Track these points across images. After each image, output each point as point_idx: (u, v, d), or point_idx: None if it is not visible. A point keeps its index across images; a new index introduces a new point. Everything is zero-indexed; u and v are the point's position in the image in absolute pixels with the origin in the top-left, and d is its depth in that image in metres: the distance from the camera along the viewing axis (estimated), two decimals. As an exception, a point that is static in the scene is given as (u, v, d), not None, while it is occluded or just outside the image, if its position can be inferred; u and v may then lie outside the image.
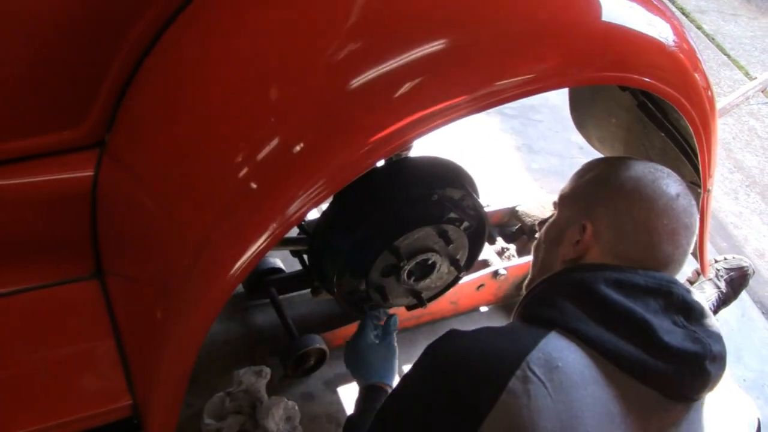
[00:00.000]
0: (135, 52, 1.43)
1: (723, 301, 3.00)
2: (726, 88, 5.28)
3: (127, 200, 1.48)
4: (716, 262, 3.06)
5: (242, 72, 1.31)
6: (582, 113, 2.17)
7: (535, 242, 1.59)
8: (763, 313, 3.37)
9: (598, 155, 2.26)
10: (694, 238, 1.41)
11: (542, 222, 1.59)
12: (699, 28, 6.19)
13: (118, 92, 1.46)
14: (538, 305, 1.34)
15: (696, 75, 1.53)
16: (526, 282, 1.56)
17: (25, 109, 1.41)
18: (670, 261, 1.37)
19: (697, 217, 1.43)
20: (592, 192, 1.47)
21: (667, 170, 1.45)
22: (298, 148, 1.17)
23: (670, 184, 1.41)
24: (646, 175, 1.42)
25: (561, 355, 1.20)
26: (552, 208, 1.60)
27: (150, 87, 1.44)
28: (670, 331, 1.24)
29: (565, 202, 1.53)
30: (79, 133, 1.48)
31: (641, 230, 1.36)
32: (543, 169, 3.72)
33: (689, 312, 1.30)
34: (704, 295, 2.93)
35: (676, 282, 1.32)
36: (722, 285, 3.00)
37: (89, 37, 1.37)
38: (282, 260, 2.60)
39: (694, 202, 1.42)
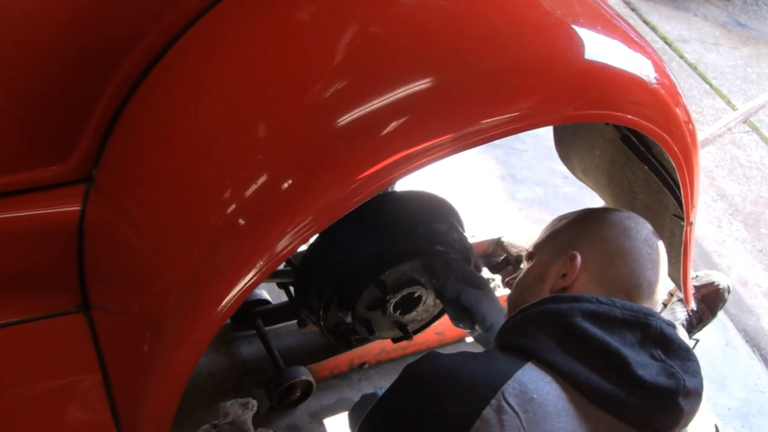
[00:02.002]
0: (123, 87, 1.43)
1: (698, 320, 2.96)
2: (708, 117, 5.34)
3: (114, 235, 1.47)
4: None
5: (230, 109, 1.32)
6: (566, 145, 2.20)
7: (508, 296, 1.63)
8: (747, 341, 3.40)
9: (581, 186, 2.29)
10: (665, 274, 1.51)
11: (509, 279, 1.68)
12: (681, 57, 6.27)
13: (106, 127, 1.46)
14: (516, 335, 1.33)
15: (677, 110, 1.55)
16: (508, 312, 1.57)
17: (11, 143, 1.41)
18: (652, 291, 1.43)
19: (665, 256, 1.52)
20: (572, 229, 1.55)
21: (638, 217, 1.55)
22: (285, 185, 1.18)
23: (642, 222, 1.52)
24: (620, 213, 1.53)
25: (536, 387, 1.20)
26: (524, 261, 1.64)
27: (137, 123, 1.44)
28: (645, 365, 1.24)
29: (541, 246, 1.59)
30: (66, 168, 1.47)
31: (628, 256, 1.43)
32: (527, 198, 3.74)
33: (667, 345, 1.30)
34: (674, 315, 2.90)
35: (654, 315, 1.32)
36: (693, 304, 2.94)
37: (76, 72, 1.37)
38: (268, 292, 2.60)
39: (661, 243, 1.52)
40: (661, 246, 1.50)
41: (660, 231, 1.77)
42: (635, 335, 1.28)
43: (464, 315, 1.85)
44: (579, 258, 1.44)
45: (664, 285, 1.47)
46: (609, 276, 1.42)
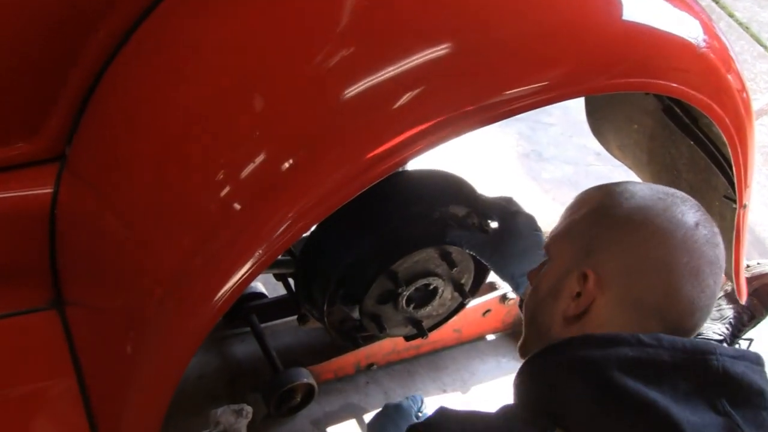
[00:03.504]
0: (99, 54, 1.44)
1: (750, 318, 2.81)
2: (762, 84, 5.30)
3: (92, 221, 1.48)
4: None
5: (224, 79, 1.33)
6: (599, 118, 2.19)
7: (525, 296, 1.49)
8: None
9: (617, 164, 2.29)
10: (722, 275, 1.30)
11: (531, 272, 1.48)
12: (731, 15, 6.21)
13: (80, 99, 1.47)
14: (539, 391, 1.24)
15: (729, 76, 1.54)
16: (519, 343, 1.46)
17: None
18: (695, 308, 1.25)
19: (722, 247, 1.30)
20: (591, 230, 1.35)
21: (680, 194, 1.34)
22: (286, 165, 1.19)
23: (686, 211, 1.29)
24: (656, 203, 1.30)
25: None
26: (543, 253, 1.49)
27: (116, 95, 1.45)
28: (702, 427, 1.11)
29: (558, 244, 1.41)
30: (36, 145, 1.48)
31: (658, 272, 1.24)
32: (555, 178, 3.74)
33: (735, 390, 1.16)
34: (720, 313, 2.82)
35: (714, 350, 1.17)
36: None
37: (46, 37, 1.38)
38: (264, 284, 2.61)
39: (716, 230, 1.31)
40: (707, 243, 1.27)
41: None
42: (691, 382, 1.15)
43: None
44: (592, 279, 1.27)
45: (714, 292, 1.28)
46: (633, 297, 1.26)
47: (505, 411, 1.26)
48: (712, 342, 1.24)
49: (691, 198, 1.34)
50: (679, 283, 1.23)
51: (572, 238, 1.36)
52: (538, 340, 1.35)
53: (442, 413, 1.28)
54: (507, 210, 1.93)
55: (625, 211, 1.31)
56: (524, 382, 1.27)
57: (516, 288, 1.98)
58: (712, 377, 1.15)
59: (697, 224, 1.27)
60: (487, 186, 2.00)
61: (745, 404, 1.16)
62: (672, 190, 1.35)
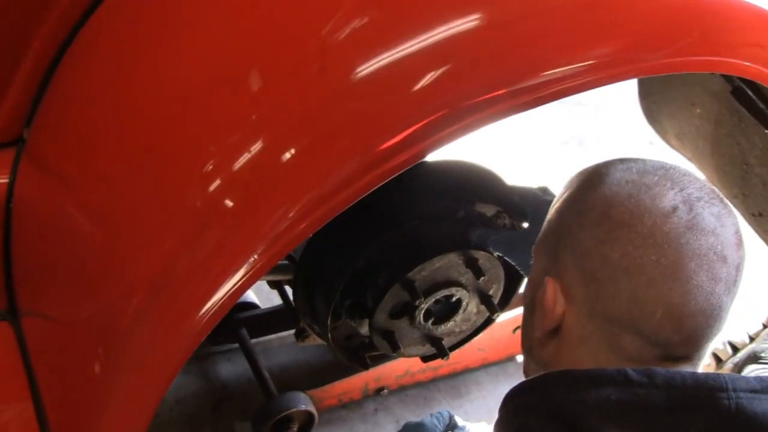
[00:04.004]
0: (66, 16, 1.46)
1: None
2: None
3: (55, 216, 1.49)
4: None
5: (213, 52, 1.33)
6: (654, 101, 2.19)
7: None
8: None
9: (673, 154, 2.29)
10: (729, 268, 1.19)
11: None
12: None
13: (42, 71, 1.49)
14: None
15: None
16: (523, 364, 1.45)
17: None
18: (682, 315, 1.16)
19: (730, 233, 1.20)
20: (558, 227, 1.32)
21: (670, 172, 1.25)
22: (287, 155, 1.20)
23: (662, 194, 1.20)
24: (622, 188, 1.23)
25: None
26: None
27: (87, 66, 1.46)
28: None
29: (536, 246, 1.39)
30: (-13, 126, 1.49)
31: (620, 276, 1.18)
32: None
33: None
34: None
35: (725, 385, 1.10)
36: None
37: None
38: (256, 292, 2.63)
39: (715, 211, 1.21)
40: (693, 230, 1.17)
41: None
42: (693, 427, 1.09)
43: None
44: (550, 290, 1.25)
45: (716, 294, 1.17)
46: (599, 312, 1.20)
47: None
48: (724, 375, 1.12)
49: (687, 175, 1.26)
50: (649, 288, 1.16)
51: (545, 237, 1.35)
52: (531, 362, 1.36)
53: None
54: (541, 200, 1.92)
55: (588, 203, 1.26)
56: (497, 425, 1.25)
57: None
58: (722, 420, 1.08)
59: (674, 209, 1.18)
60: (517, 178, 2.00)
61: None
62: (661, 167, 1.26)
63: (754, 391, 1.09)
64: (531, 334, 1.31)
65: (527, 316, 1.34)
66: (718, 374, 1.11)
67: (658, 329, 1.16)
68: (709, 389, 1.08)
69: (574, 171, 1.35)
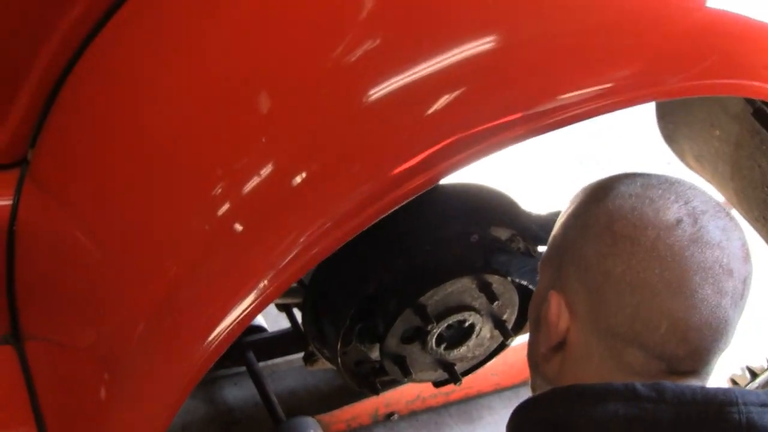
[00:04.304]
0: (72, 36, 1.45)
1: None
2: None
3: (59, 240, 1.49)
4: None
5: (222, 72, 1.32)
6: (672, 122, 2.19)
7: None
8: None
9: (692, 175, 2.28)
10: (736, 282, 1.19)
11: None
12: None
13: (46, 93, 1.48)
14: None
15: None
16: (530, 381, 1.44)
17: None
18: (687, 329, 1.16)
19: (736, 246, 1.20)
20: (562, 242, 1.33)
21: (678, 184, 1.26)
22: (297, 179, 1.19)
23: (666, 207, 1.20)
24: (625, 201, 1.23)
25: None
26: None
27: (92, 87, 1.46)
28: None
29: (542, 262, 1.39)
30: (-9, 147, 1.49)
31: (622, 290, 1.18)
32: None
33: None
34: None
35: (734, 399, 1.11)
36: None
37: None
38: (264, 315, 2.62)
39: (721, 224, 1.21)
40: (697, 243, 1.17)
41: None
42: None
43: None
44: (554, 304, 1.26)
45: (722, 307, 1.16)
46: (602, 328, 1.21)
47: None
48: (734, 389, 1.15)
49: (692, 188, 1.26)
50: (652, 302, 1.15)
51: (550, 252, 1.35)
52: (537, 378, 1.35)
53: None
54: None
55: (592, 217, 1.27)
56: None
57: None
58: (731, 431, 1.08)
59: (678, 221, 1.18)
60: (530, 200, 1.99)
61: None
62: (665, 180, 1.27)
63: (764, 405, 1.10)
64: (537, 350, 1.32)
65: (533, 332, 1.35)
66: (727, 388, 1.11)
67: (662, 343, 1.15)
68: (719, 404, 1.09)
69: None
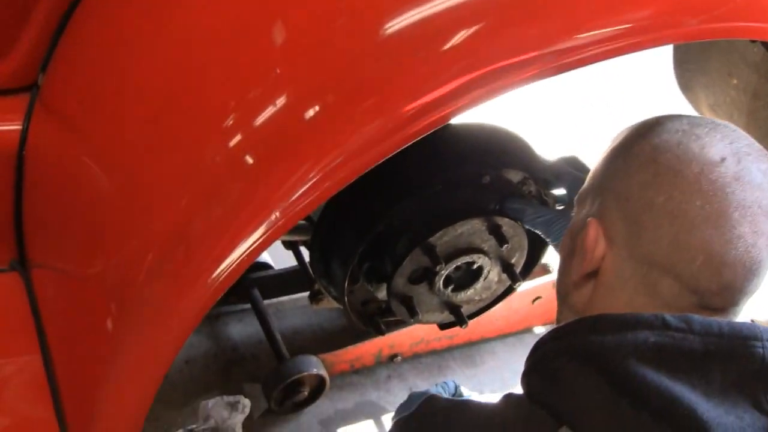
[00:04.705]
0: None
1: None
2: None
3: (69, 167, 1.49)
4: None
5: (239, 2, 1.31)
6: (689, 69, 2.18)
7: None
8: None
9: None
10: None
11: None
12: None
13: (59, 15, 1.47)
14: (543, 382, 1.24)
15: None
16: (556, 314, 1.45)
17: None
18: (721, 264, 1.17)
19: None
20: (602, 174, 1.34)
21: (721, 125, 1.26)
22: (311, 112, 1.19)
23: (711, 144, 1.21)
24: (672, 136, 1.25)
25: None
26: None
27: (105, 10, 1.45)
28: (737, 430, 1.09)
29: (581, 196, 1.40)
30: (1, 71, 1.49)
31: (663, 219, 1.19)
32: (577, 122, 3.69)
33: None
34: None
35: (759, 334, 1.14)
36: None
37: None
38: (270, 252, 2.62)
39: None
40: (739, 181, 1.18)
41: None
42: (728, 374, 1.12)
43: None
44: (592, 230, 1.27)
45: (759, 246, 1.18)
46: (640, 255, 1.22)
47: (505, 403, 1.27)
48: (758, 325, 1.16)
49: (737, 131, 1.27)
50: (691, 233, 1.17)
51: (590, 185, 1.36)
52: (564, 310, 1.36)
53: (430, 402, 1.31)
54: (574, 175, 1.91)
55: (636, 149, 1.28)
56: (526, 372, 1.26)
57: None
58: (755, 368, 1.12)
59: (723, 159, 1.19)
60: (539, 142, 1.98)
61: None
62: (712, 122, 1.27)
63: None
64: (567, 280, 1.33)
65: (565, 262, 1.36)
66: (752, 324, 1.14)
67: (697, 276, 1.17)
68: (744, 338, 1.11)
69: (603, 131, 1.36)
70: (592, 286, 1.27)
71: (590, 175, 1.37)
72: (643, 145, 1.26)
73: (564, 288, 1.34)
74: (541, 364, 1.24)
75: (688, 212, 1.17)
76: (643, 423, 1.08)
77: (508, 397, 1.27)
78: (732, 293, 1.18)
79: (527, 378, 1.25)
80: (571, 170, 1.89)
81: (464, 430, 1.21)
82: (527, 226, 1.88)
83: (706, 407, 1.07)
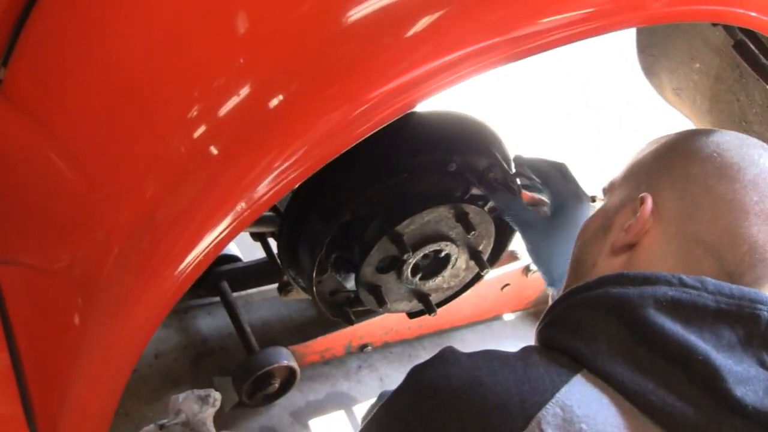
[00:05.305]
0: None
1: None
2: None
3: (32, 160, 1.48)
4: None
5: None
6: (653, 54, 2.18)
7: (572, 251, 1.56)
8: None
9: (669, 111, 2.29)
10: None
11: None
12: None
13: (20, 9, 1.46)
14: (564, 331, 1.28)
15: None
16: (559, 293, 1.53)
17: None
18: (760, 257, 1.29)
19: None
20: (653, 164, 1.45)
21: (762, 143, 1.40)
22: (274, 101, 1.19)
23: (765, 155, 1.36)
24: (731, 140, 1.40)
25: (586, 412, 1.14)
26: (600, 197, 1.59)
27: (67, 5, 1.44)
28: (746, 379, 1.13)
29: (616, 184, 1.51)
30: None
31: (720, 206, 1.31)
32: (600, 123, 3.71)
33: None
34: None
35: (765, 300, 1.20)
36: None
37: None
38: (238, 244, 2.62)
39: None
40: None
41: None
42: (736, 333, 1.18)
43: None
44: (650, 202, 1.35)
45: None
46: (690, 232, 1.32)
47: (525, 350, 1.28)
48: (764, 293, 1.25)
49: None
50: (743, 223, 1.29)
51: (631, 175, 1.47)
52: (586, 278, 1.38)
53: (449, 350, 1.30)
54: (561, 183, 1.91)
55: (695, 144, 1.40)
56: (547, 325, 1.32)
57: (551, 283, 1.96)
58: (760, 329, 1.19)
59: None
60: (514, 128, 1.99)
61: None
62: (754, 139, 1.40)
63: None
64: (599, 252, 1.43)
65: (599, 237, 1.45)
66: (757, 290, 1.23)
67: (739, 262, 1.28)
68: (752, 300, 1.19)
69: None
70: (627, 257, 1.36)
71: (628, 166, 1.50)
72: (706, 141, 1.39)
73: (591, 258, 1.45)
74: (562, 315, 1.30)
75: (744, 205, 1.29)
76: (659, 367, 1.15)
77: (527, 347, 1.30)
78: (758, 280, 1.29)
79: (546, 331, 1.31)
80: (558, 176, 1.90)
81: (485, 384, 1.19)
82: (508, 219, 1.90)
83: (717, 355, 1.13)
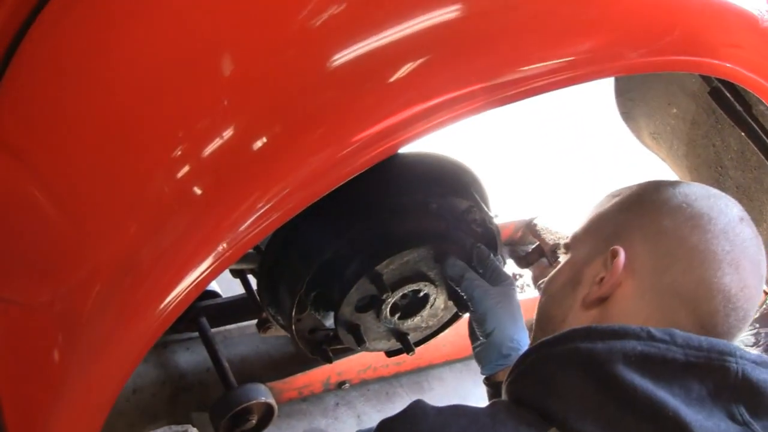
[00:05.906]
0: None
1: None
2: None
3: (14, 197, 1.48)
4: None
5: (186, 32, 1.31)
6: (631, 99, 2.20)
7: (538, 304, 1.58)
8: None
9: (646, 155, 2.30)
10: (763, 283, 1.37)
11: (541, 281, 1.60)
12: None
13: (5, 48, 1.47)
14: (532, 385, 1.29)
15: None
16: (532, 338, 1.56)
17: None
18: (732, 307, 1.32)
19: (765, 256, 1.41)
20: (620, 216, 1.48)
21: (725, 194, 1.45)
22: (258, 143, 1.19)
23: (730, 205, 1.43)
24: (697, 191, 1.44)
25: None
26: (562, 251, 1.60)
27: (53, 42, 1.44)
28: None
29: (580, 238, 1.53)
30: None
31: (695, 256, 1.34)
32: (576, 168, 3.73)
33: (755, 397, 1.21)
34: (754, 338, 2.79)
35: (734, 351, 1.22)
36: None
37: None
38: (218, 281, 2.62)
39: (761, 240, 1.41)
40: (751, 240, 1.38)
41: (757, 221, 1.79)
42: (706, 386, 1.20)
43: (461, 306, 1.92)
44: (623, 255, 1.38)
45: (754, 297, 1.36)
46: (665, 284, 1.34)
47: (493, 406, 1.30)
48: (733, 343, 1.27)
49: (736, 203, 1.45)
50: (716, 273, 1.33)
51: (597, 228, 1.49)
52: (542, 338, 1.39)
53: (418, 405, 1.34)
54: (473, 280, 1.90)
55: (663, 196, 1.45)
56: (515, 379, 1.33)
57: (487, 369, 1.93)
58: (729, 381, 1.20)
59: (741, 219, 1.40)
60: (492, 172, 2.00)
61: (766, 415, 1.21)
62: (723, 193, 1.45)
63: (755, 363, 1.22)
64: (570, 306, 1.46)
65: (567, 292, 1.48)
66: (728, 342, 1.25)
67: (714, 312, 1.32)
68: (720, 352, 1.21)
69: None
70: (599, 311, 1.39)
71: (590, 219, 1.53)
72: (674, 193, 1.44)
73: (562, 312, 1.46)
74: (531, 368, 1.30)
75: (716, 255, 1.33)
76: (629, 425, 1.16)
77: (496, 402, 1.34)
78: (730, 330, 1.33)
79: (515, 385, 1.32)
80: (471, 277, 1.91)
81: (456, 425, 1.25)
82: (460, 289, 1.90)
83: (687, 411, 1.15)
